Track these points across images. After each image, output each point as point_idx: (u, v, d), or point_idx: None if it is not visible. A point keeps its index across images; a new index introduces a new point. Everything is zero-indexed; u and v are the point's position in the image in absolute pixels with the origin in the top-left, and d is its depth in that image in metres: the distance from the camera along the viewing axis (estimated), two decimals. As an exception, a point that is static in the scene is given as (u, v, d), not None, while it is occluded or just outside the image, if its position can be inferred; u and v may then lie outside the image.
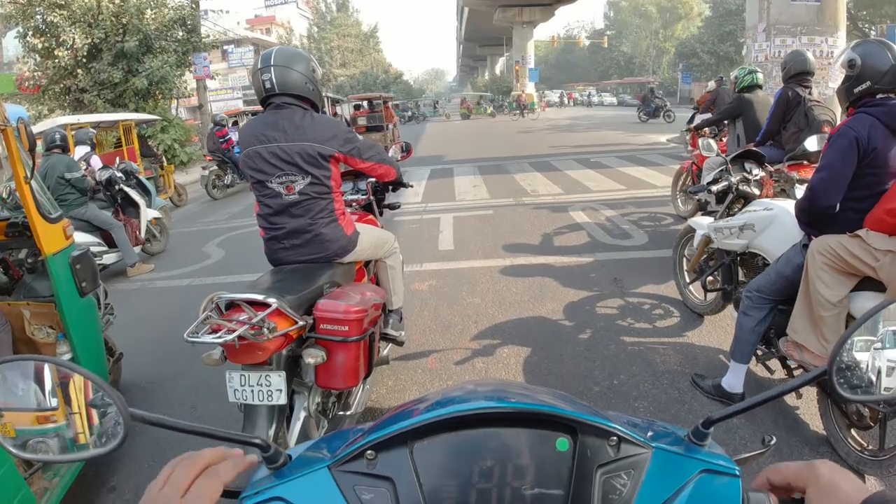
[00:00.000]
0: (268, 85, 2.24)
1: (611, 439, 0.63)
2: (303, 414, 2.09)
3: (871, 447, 2.17)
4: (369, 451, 0.63)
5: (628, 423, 0.70)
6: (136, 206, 6.21)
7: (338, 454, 0.66)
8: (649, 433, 0.69)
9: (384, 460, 0.63)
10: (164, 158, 11.14)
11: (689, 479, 0.62)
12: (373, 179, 3.01)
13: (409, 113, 37.14)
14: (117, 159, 7.33)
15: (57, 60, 13.87)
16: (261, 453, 0.68)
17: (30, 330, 2.71)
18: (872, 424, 2.14)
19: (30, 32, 13.78)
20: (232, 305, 1.85)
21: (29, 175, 2.23)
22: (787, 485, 0.60)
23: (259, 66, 2.27)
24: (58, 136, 5.42)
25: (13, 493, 1.77)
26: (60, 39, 13.57)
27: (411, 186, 3.51)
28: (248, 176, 2.34)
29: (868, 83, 2.18)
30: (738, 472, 0.63)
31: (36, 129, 7.13)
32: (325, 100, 16.97)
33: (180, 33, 15.79)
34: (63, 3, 13.35)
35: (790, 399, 2.64)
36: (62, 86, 14.46)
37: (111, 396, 0.61)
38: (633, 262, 4.97)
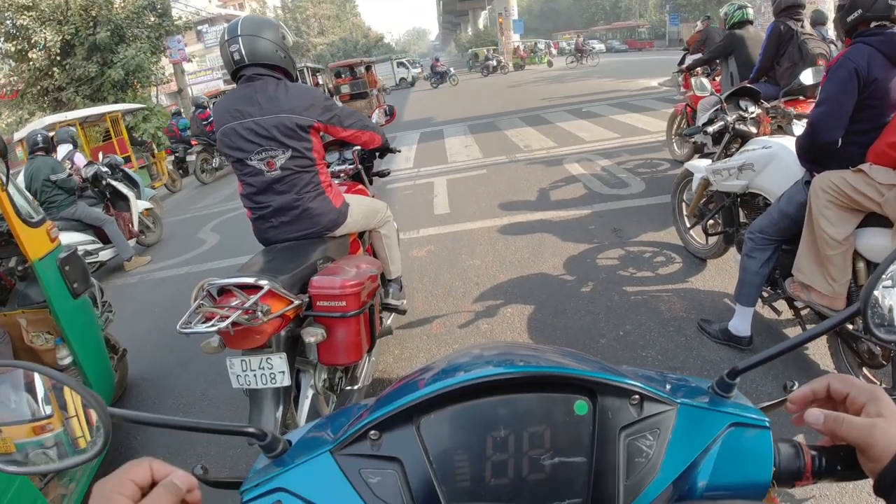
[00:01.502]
0: (236, 56, 2.14)
1: (632, 398, 0.59)
2: (310, 392, 2.08)
3: (883, 386, 2.14)
4: (373, 431, 0.59)
5: (647, 377, 0.66)
6: (125, 199, 6.13)
7: (340, 436, 0.62)
8: (670, 387, 0.65)
9: (389, 439, 0.59)
10: (153, 146, 11.01)
11: (717, 435, 0.59)
12: (358, 148, 2.93)
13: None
14: (101, 154, 7.22)
15: (31, 62, 13.63)
16: (258, 442, 0.64)
17: (28, 338, 2.69)
18: (885, 363, 2.12)
19: (0, 38, 13.49)
20: (224, 291, 1.81)
21: (4, 182, 2.15)
22: (846, 396, 0.58)
23: (226, 38, 2.16)
24: (40, 137, 5.33)
25: None
26: (32, 41, 13.31)
27: (399, 151, 3.42)
28: (226, 155, 2.26)
29: (860, 11, 2.09)
30: (768, 424, 0.60)
31: (22, 132, 7.01)
32: (305, 70, 16.66)
33: (151, 18, 15.36)
34: (31, 4, 13.02)
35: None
36: (39, 87, 14.23)
37: (87, 398, 0.57)
38: (632, 210, 4.91)
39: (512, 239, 4.63)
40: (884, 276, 0.60)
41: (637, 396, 0.59)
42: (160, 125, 12.94)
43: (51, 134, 6.23)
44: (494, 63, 31.78)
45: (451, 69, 31.10)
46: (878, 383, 2.17)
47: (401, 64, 37.82)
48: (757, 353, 0.62)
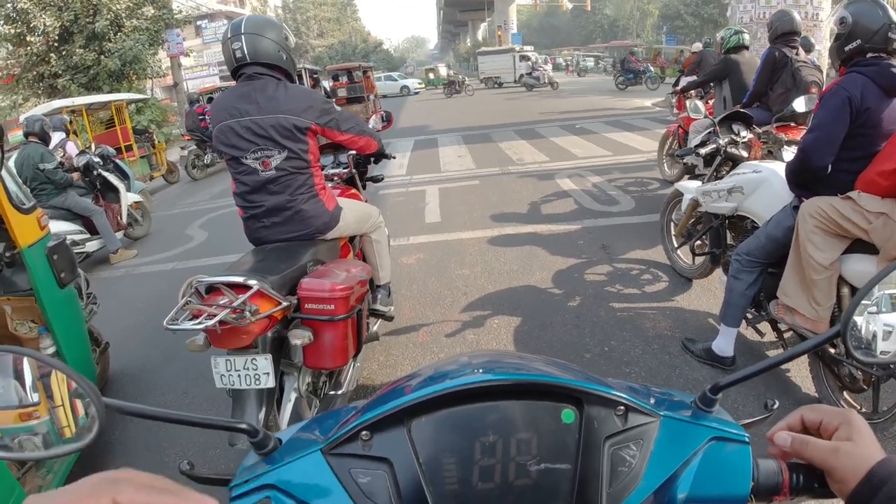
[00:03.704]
0: (238, 54, 2.14)
1: (618, 409, 0.61)
2: (293, 395, 2.06)
3: (864, 410, 2.18)
4: (364, 432, 0.60)
5: (632, 390, 0.68)
6: (115, 190, 6.09)
7: (331, 436, 0.63)
8: (654, 400, 0.67)
9: (380, 441, 0.60)
10: (154, 137, 10.98)
11: (699, 448, 0.60)
12: (353, 152, 2.93)
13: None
14: (93, 144, 7.18)
15: (29, 47, 13.52)
16: (249, 438, 0.64)
17: (12, 326, 2.65)
18: (865, 388, 2.15)
19: (0, 21, 13.37)
20: (212, 289, 1.79)
21: None
22: (819, 423, 0.59)
23: (229, 35, 2.17)
24: (37, 125, 5.32)
25: (7, 494, 1.74)
26: (31, 25, 13.24)
27: (394, 157, 3.43)
28: (221, 152, 2.25)
29: (858, 41, 2.13)
30: (747, 439, 0.62)
31: (27, 115, 6.98)
32: (304, 72, 16.64)
33: (151, 10, 15.30)
34: None
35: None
36: (35, 73, 14.11)
37: (83, 386, 0.57)
38: (621, 227, 4.95)
39: (501, 250, 4.65)
40: (864, 301, 0.62)
41: (622, 407, 0.61)
42: (153, 118, 12.90)
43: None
44: (458, 84, 27.76)
45: (467, 79, 28.76)
46: (859, 408, 2.20)
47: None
48: (741, 370, 0.64)
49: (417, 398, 0.59)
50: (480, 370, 0.64)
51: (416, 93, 34.21)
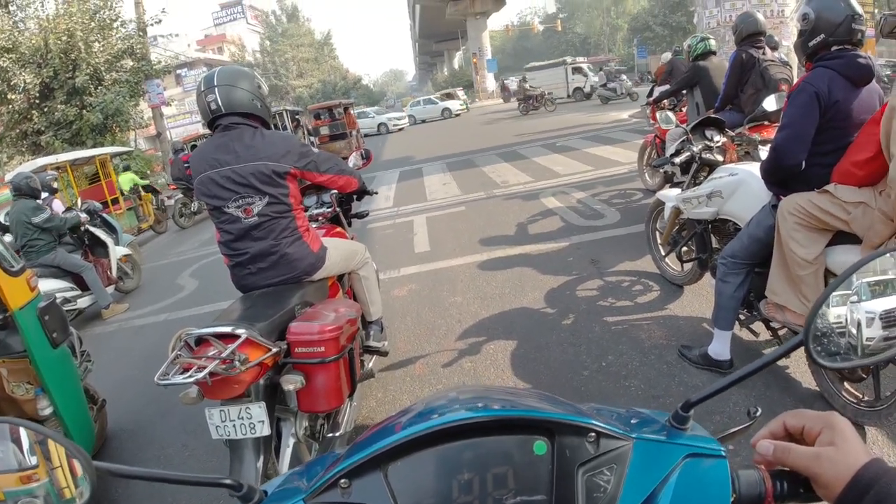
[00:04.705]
0: (213, 106, 2.17)
1: (589, 436, 0.62)
2: (291, 440, 2.03)
3: (867, 398, 2.17)
4: (343, 480, 0.61)
5: (608, 414, 0.69)
6: (104, 245, 6.08)
7: (312, 485, 0.64)
8: (629, 423, 0.67)
9: (358, 487, 0.61)
10: (140, 189, 11.04)
11: (673, 467, 0.61)
12: (335, 191, 2.96)
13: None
14: (79, 200, 7.21)
15: (11, 105, 13.60)
16: (234, 493, 0.65)
17: (9, 388, 2.64)
18: (865, 376, 2.15)
19: None
20: (201, 340, 1.79)
21: None
22: (802, 429, 0.59)
23: (203, 88, 2.20)
24: (23, 182, 5.34)
25: None
26: (12, 83, 13.30)
27: (376, 193, 3.46)
28: (204, 203, 2.27)
29: (822, 36, 2.17)
30: (723, 453, 0.62)
31: (10, 175, 7.00)
32: (285, 113, 16.81)
33: (130, 63, 15.48)
34: (10, 46, 13.08)
35: (778, 358, 2.66)
36: (18, 130, 14.17)
37: (72, 451, 0.59)
38: (609, 241, 4.98)
39: (492, 274, 4.66)
40: (844, 292, 0.63)
41: (593, 434, 0.61)
42: (138, 169, 12.96)
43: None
44: (535, 99, 23.18)
45: (545, 92, 23.99)
46: (861, 396, 2.20)
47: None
48: (710, 386, 0.64)
49: (390, 443, 0.60)
50: (455, 409, 0.64)
51: (400, 129, 28.69)
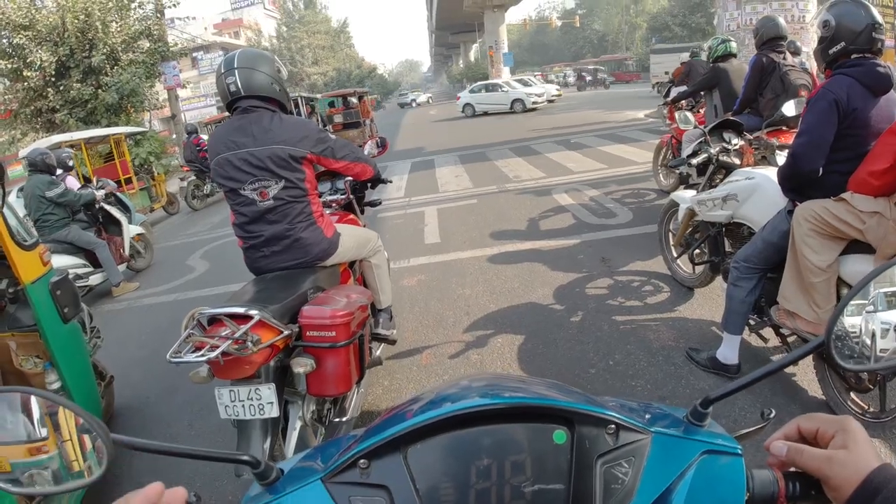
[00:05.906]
0: (233, 88, 2.18)
1: (608, 427, 0.62)
2: (298, 423, 2.06)
3: (872, 409, 2.17)
4: (362, 460, 0.61)
5: (625, 407, 0.69)
6: (117, 223, 6.14)
7: (331, 464, 0.64)
8: (647, 417, 0.68)
9: (378, 468, 0.61)
10: (154, 169, 11.11)
11: (690, 462, 0.61)
12: (350, 178, 2.96)
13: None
14: (95, 178, 7.27)
15: (26, 82, 13.65)
16: (251, 470, 0.65)
17: (17, 361, 2.66)
18: (871, 387, 2.14)
19: None
20: (214, 320, 1.81)
21: (0, 203, 2.16)
22: (815, 432, 0.59)
23: (223, 70, 2.21)
24: (38, 158, 5.39)
25: None
26: (28, 60, 13.34)
27: (390, 182, 3.46)
28: (220, 185, 2.28)
29: (843, 44, 2.15)
30: (739, 451, 0.62)
31: (26, 151, 7.06)
32: (300, 99, 16.80)
33: (147, 44, 15.51)
34: (28, 23, 13.11)
35: (787, 366, 2.65)
36: (33, 108, 14.24)
37: (91, 423, 0.58)
38: (620, 240, 4.96)
39: (502, 268, 4.66)
40: (860, 301, 0.63)
41: (613, 426, 0.62)
42: (152, 150, 13.00)
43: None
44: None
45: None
46: (866, 407, 2.19)
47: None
48: (729, 384, 0.65)
49: (411, 425, 0.61)
50: (474, 395, 0.65)
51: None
